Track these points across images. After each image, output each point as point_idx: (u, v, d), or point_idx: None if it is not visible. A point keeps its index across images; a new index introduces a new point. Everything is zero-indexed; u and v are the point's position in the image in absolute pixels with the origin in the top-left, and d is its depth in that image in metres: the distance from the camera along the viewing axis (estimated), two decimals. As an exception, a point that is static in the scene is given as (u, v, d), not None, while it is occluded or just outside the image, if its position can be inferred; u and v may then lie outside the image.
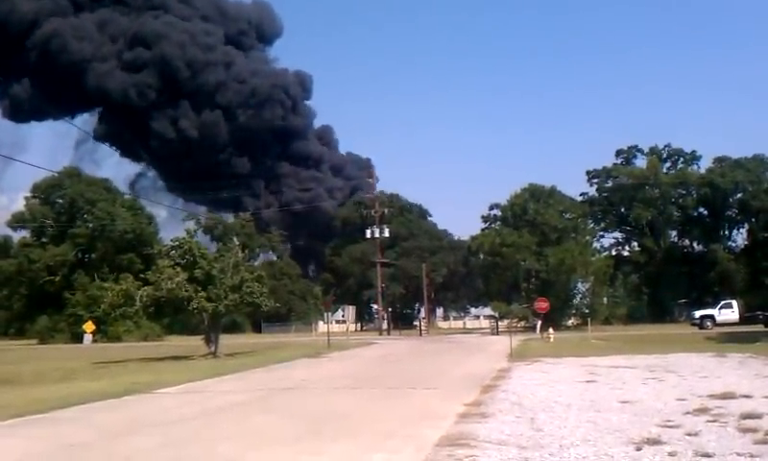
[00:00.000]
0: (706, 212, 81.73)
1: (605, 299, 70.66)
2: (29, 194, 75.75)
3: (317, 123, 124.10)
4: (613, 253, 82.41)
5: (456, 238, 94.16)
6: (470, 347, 39.04)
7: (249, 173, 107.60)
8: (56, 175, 70.90)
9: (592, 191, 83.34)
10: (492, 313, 70.25)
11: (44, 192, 74.44)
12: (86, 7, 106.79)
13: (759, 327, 48.98)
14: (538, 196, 69.06)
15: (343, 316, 76.79)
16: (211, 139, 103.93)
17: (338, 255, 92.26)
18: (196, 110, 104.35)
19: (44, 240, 74.20)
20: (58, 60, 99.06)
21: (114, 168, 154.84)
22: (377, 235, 73.95)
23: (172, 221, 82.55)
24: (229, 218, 74.69)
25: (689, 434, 9.22)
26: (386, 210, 77.38)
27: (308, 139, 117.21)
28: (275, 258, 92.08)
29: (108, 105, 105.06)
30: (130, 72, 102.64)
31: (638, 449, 8.39)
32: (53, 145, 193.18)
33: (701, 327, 53.24)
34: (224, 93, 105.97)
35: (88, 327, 60.84)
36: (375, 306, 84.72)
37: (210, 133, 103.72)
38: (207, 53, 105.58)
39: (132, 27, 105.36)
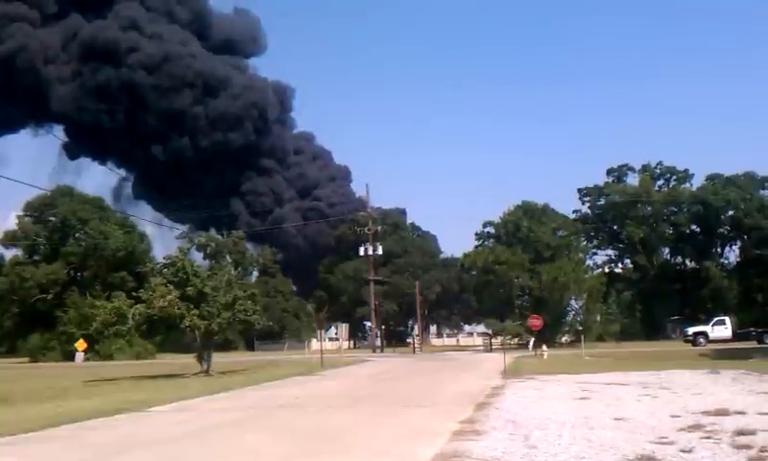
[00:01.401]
0: (698, 229, 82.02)
1: (598, 316, 70.69)
2: (21, 212, 75.69)
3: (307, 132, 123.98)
4: (606, 270, 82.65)
5: (449, 255, 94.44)
6: (464, 364, 39.00)
7: (219, 191, 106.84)
8: (48, 193, 70.91)
9: (585, 209, 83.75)
10: (486, 330, 70.19)
11: (37, 210, 74.30)
12: (52, 19, 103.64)
13: (752, 344, 49.19)
14: (531, 213, 69.22)
15: (336, 334, 76.60)
16: (181, 161, 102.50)
17: (331, 273, 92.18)
18: (164, 134, 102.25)
19: (36, 258, 74.04)
20: (22, 79, 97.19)
21: (101, 175, 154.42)
22: (370, 253, 73.93)
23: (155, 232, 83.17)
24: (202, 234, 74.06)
25: (683, 451, 9.21)
26: (379, 228, 77.37)
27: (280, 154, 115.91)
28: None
29: (74, 125, 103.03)
30: (93, 95, 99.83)
31: (633, 466, 8.37)
32: (36, 155, 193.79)
33: (694, 343, 53.35)
34: (193, 118, 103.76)
35: (80, 345, 60.59)
36: (369, 324, 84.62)
37: (179, 156, 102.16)
38: (178, 69, 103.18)
39: (99, 39, 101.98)
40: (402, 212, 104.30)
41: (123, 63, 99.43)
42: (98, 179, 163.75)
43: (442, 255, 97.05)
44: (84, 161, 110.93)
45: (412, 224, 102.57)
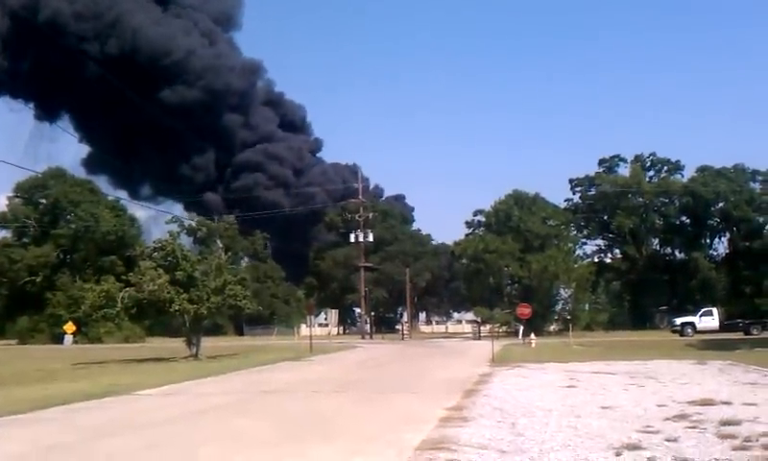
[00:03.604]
0: (688, 221, 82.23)
1: (587, 305, 71.00)
2: (11, 194, 75.33)
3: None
4: (596, 260, 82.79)
5: (440, 243, 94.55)
6: (453, 351, 39.12)
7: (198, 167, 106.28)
8: (39, 175, 70.55)
9: (576, 199, 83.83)
10: (475, 318, 70.31)
11: (27, 192, 73.93)
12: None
13: (739, 335, 49.50)
14: (521, 203, 69.24)
15: (326, 320, 76.70)
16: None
17: (322, 259, 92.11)
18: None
19: (26, 240, 73.71)
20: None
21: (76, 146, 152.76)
22: (361, 239, 73.87)
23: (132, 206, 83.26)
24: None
25: (669, 440, 9.28)
26: (370, 215, 77.33)
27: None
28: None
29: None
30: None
31: (618, 455, 8.43)
32: (12, 121, 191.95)
33: (681, 334, 53.64)
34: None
35: (69, 327, 60.46)
36: (358, 310, 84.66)
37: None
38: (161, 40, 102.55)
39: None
40: (401, 198, 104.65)
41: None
42: (74, 148, 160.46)
43: (432, 243, 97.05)
44: (56, 133, 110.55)
45: (402, 212, 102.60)
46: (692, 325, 55.50)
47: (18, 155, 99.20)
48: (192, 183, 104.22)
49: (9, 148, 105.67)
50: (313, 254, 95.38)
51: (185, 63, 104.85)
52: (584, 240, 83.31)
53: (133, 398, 17.05)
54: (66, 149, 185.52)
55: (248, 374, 24.40)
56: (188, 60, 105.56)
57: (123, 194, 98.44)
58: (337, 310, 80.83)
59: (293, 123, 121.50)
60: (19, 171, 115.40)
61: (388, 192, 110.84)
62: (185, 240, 38.88)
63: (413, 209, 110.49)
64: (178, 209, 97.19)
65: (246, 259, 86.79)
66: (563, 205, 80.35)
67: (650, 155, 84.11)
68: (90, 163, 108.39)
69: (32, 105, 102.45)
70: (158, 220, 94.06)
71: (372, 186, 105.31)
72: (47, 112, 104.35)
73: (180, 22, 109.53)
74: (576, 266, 69.10)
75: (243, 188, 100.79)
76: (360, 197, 77.95)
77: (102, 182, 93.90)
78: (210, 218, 47.96)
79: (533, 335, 44.13)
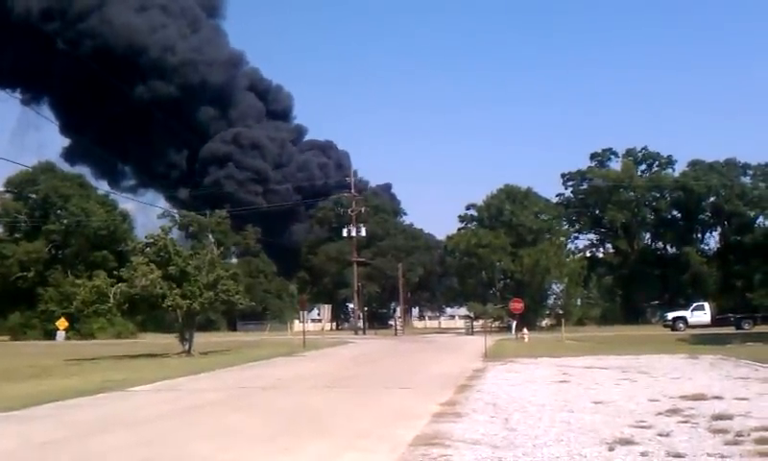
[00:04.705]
0: (679, 215, 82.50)
1: (579, 300, 71.17)
2: (1, 188, 74.98)
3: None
4: (588, 254, 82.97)
5: (433, 236, 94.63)
6: (445, 346, 39.17)
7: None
8: (30, 170, 70.25)
9: (568, 193, 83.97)
10: (468, 313, 70.42)
11: (17, 187, 73.58)
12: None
13: (731, 330, 49.62)
14: (513, 197, 69.33)
15: (318, 315, 76.83)
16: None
17: (314, 254, 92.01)
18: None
19: (17, 236, 73.36)
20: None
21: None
22: (353, 234, 73.81)
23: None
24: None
25: (661, 434, 9.30)
26: (362, 209, 77.29)
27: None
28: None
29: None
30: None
31: (611, 450, 8.45)
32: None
33: (673, 328, 53.79)
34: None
35: (61, 323, 60.30)
36: (351, 306, 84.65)
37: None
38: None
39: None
40: (388, 188, 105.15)
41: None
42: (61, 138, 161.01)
43: (424, 237, 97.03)
44: (43, 120, 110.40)
45: (392, 206, 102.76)
46: (684, 319, 55.64)
47: (5, 144, 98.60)
48: (169, 177, 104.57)
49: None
50: (305, 249, 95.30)
51: (160, 61, 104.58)
52: (576, 235, 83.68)
53: (127, 394, 17.02)
54: (53, 138, 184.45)
55: (241, 369, 24.38)
56: (163, 57, 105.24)
57: (104, 185, 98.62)
58: (330, 306, 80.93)
59: (278, 112, 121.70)
60: (6, 164, 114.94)
61: (373, 184, 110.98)
62: (176, 234, 38.88)
63: (399, 202, 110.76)
64: (160, 201, 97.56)
65: (234, 254, 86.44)
66: (554, 199, 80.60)
67: (642, 149, 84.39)
68: (71, 154, 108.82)
69: (18, 91, 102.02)
70: (146, 211, 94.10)
71: (357, 179, 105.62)
72: (32, 99, 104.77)
73: (158, 13, 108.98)
74: (568, 260, 69.25)
75: (214, 183, 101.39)
76: (352, 191, 77.91)
77: (84, 173, 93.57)
78: (202, 213, 47.93)
79: (525, 330, 44.24)
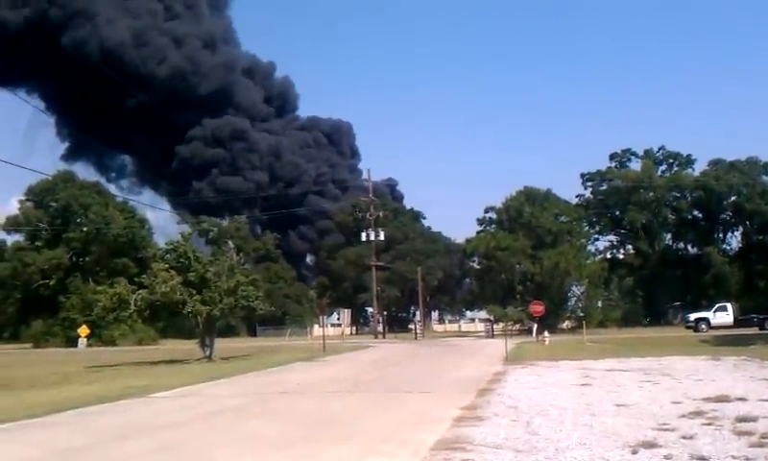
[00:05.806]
0: (700, 215, 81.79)
1: (599, 302, 70.62)
2: (23, 197, 75.68)
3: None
4: (608, 255, 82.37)
5: (453, 240, 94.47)
6: (466, 350, 39.04)
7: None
8: (50, 178, 70.87)
9: (587, 194, 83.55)
10: (488, 316, 70.17)
11: (38, 196, 74.25)
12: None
13: (754, 330, 49.12)
14: (533, 199, 68.97)
15: (338, 319, 76.83)
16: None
17: (333, 259, 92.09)
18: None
19: (38, 244, 74.02)
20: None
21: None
22: (372, 238, 73.83)
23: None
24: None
25: (685, 437, 9.22)
26: (381, 213, 77.26)
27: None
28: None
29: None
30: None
31: (634, 453, 8.39)
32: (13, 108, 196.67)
33: (695, 329, 53.33)
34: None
35: (83, 330, 60.78)
36: (371, 310, 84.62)
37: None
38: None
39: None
40: (393, 185, 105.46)
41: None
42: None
43: (444, 241, 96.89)
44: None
45: (412, 210, 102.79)
46: (706, 320, 55.16)
47: (18, 142, 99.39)
48: (169, 179, 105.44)
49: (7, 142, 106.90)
50: (324, 253, 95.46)
51: (152, 74, 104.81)
52: (596, 236, 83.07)
53: (148, 400, 17.09)
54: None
55: (261, 375, 24.43)
56: (155, 71, 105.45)
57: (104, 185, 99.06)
58: (350, 310, 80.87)
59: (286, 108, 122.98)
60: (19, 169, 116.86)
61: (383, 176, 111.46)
62: (196, 241, 39.03)
63: (403, 197, 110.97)
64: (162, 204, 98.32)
65: (248, 260, 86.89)
66: (574, 200, 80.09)
67: (660, 149, 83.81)
68: (70, 156, 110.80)
69: (24, 91, 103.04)
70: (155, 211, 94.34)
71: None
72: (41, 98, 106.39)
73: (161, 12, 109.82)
74: (588, 262, 68.85)
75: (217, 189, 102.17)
76: (370, 195, 77.90)
77: (81, 171, 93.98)
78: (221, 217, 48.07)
79: (546, 333, 43.98)
